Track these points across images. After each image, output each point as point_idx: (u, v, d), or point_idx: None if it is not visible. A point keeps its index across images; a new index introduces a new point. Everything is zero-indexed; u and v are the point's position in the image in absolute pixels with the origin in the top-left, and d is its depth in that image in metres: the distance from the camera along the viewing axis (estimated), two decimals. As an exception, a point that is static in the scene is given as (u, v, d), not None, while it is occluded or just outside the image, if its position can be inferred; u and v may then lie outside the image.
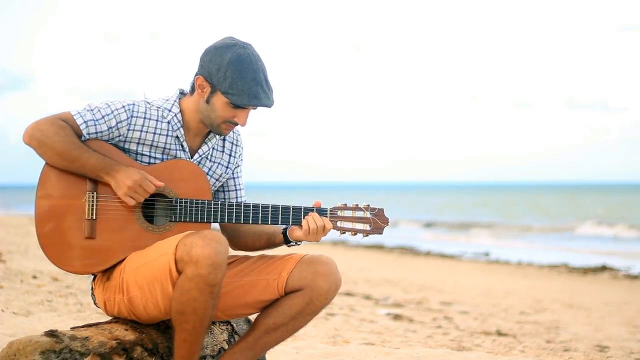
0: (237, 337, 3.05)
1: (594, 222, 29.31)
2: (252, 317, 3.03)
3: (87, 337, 2.67)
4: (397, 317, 6.96)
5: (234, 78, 2.72)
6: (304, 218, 2.85)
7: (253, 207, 2.83)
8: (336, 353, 4.13)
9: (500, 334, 6.36)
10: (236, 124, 2.82)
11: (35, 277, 6.56)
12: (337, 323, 6.18)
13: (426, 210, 45.70)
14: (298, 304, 2.81)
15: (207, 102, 2.79)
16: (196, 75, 2.81)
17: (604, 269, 14.80)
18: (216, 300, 2.60)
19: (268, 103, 2.77)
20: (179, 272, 2.58)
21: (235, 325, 3.07)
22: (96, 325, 2.82)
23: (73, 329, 2.77)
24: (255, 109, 2.80)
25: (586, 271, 14.50)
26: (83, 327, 2.80)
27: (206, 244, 2.54)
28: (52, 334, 2.64)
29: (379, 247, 19.71)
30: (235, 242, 3.02)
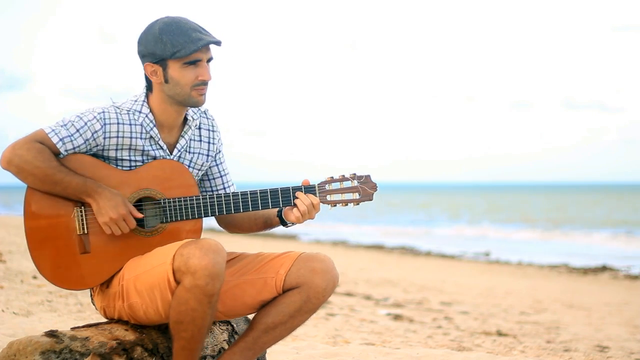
0: (236, 337, 3.04)
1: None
2: (250, 316, 3.03)
3: (87, 337, 2.67)
4: (397, 317, 6.96)
5: (171, 37, 2.70)
6: (293, 198, 2.84)
7: (241, 194, 2.81)
8: (336, 353, 4.13)
9: (500, 334, 6.35)
10: (204, 82, 2.77)
11: (35, 277, 6.56)
12: (337, 323, 6.18)
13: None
14: (295, 301, 2.80)
15: (167, 81, 2.76)
16: (143, 66, 2.80)
17: (604, 269, 14.81)
18: (214, 309, 2.60)
19: (214, 39, 2.74)
20: (177, 282, 2.58)
21: (235, 325, 3.07)
22: (96, 325, 2.82)
23: (73, 329, 2.77)
24: (207, 54, 2.75)
25: (586, 271, 14.51)
26: (83, 327, 2.80)
27: (203, 254, 2.52)
28: (52, 334, 2.64)
29: (379, 247, 19.72)
30: (232, 228, 3.03)
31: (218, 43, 2.75)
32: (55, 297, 5.63)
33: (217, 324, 3.01)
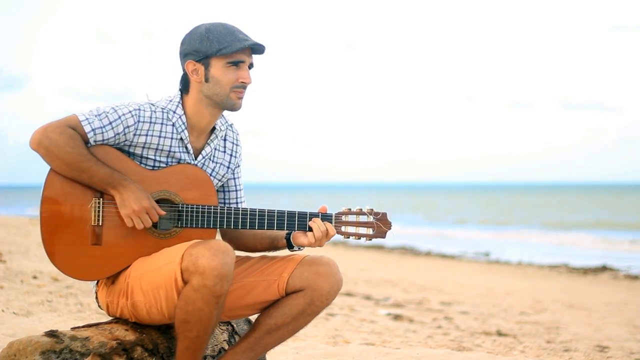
0: (237, 337, 3.05)
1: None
2: (252, 317, 3.03)
3: (87, 337, 2.67)
4: (397, 317, 6.95)
5: (219, 36, 2.75)
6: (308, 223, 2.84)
7: (259, 212, 2.82)
8: (336, 353, 4.13)
9: (500, 334, 6.35)
10: (243, 86, 2.80)
11: (35, 277, 6.56)
12: (337, 323, 6.18)
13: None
14: (299, 304, 2.81)
15: (207, 80, 2.78)
16: (183, 66, 2.81)
17: (604, 269, 14.80)
18: (221, 309, 2.60)
19: (259, 43, 2.79)
20: (185, 282, 2.58)
21: (235, 325, 3.07)
22: (96, 325, 2.82)
23: (73, 329, 2.77)
24: (250, 59, 2.80)
25: (586, 271, 14.51)
26: (83, 327, 2.80)
27: (213, 254, 2.53)
28: (52, 334, 2.64)
29: (379, 247, 19.71)
30: (236, 242, 3.02)
31: (262, 47, 2.80)
32: (55, 297, 5.63)
33: (218, 324, 3.01)
